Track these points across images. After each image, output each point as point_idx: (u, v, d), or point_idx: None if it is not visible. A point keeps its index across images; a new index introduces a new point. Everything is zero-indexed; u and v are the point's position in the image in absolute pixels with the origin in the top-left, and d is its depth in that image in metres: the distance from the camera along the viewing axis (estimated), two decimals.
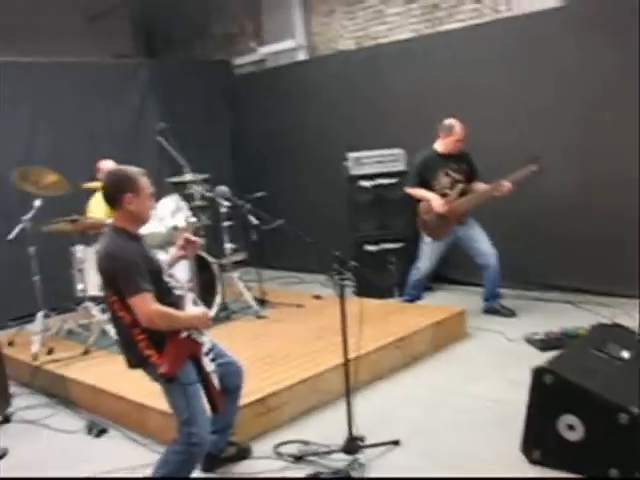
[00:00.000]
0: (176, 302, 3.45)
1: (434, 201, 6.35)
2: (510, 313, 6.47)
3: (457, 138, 6.35)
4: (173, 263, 3.85)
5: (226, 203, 6.66)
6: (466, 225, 6.49)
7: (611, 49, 6.30)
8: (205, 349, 3.52)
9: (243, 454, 4.10)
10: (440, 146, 6.47)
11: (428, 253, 6.61)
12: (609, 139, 6.42)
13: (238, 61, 10.33)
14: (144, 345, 3.34)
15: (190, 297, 3.57)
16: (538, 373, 3.61)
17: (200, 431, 3.39)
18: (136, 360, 3.43)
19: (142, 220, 3.53)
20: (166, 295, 3.42)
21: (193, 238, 3.87)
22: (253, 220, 6.18)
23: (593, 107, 6.50)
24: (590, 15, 6.45)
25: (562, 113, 6.68)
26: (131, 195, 3.39)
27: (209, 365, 3.53)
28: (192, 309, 3.51)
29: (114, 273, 3.29)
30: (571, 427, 3.48)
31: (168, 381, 3.34)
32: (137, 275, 3.26)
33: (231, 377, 3.82)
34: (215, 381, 3.55)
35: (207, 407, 3.54)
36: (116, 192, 3.42)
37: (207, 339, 3.57)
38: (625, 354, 3.83)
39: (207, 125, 9.78)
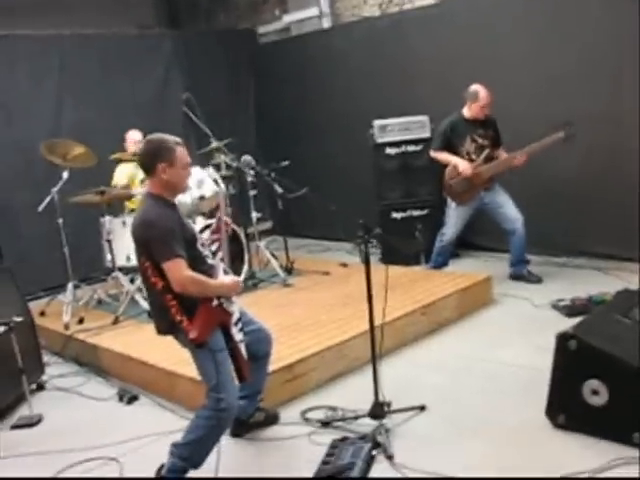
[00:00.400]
0: (208, 271, 3.50)
1: (461, 165, 6.34)
2: (536, 279, 6.46)
3: (482, 104, 6.31)
4: (208, 244, 3.89)
5: (251, 172, 6.68)
6: (492, 191, 6.47)
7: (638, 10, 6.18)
8: (234, 319, 3.57)
9: (271, 420, 4.18)
10: (467, 112, 6.44)
11: (454, 219, 6.61)
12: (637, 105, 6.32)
13: (262, 30, 10.27)
14: (175, 311, 3.37)
15: (222, 266, 3.62)
16: (562, 338, 3.61)
17: (228, 397, 3.45)
18: (166, 326, 3.49)
19: (177, 189, 3.58)
20: (199, 263, 3.47)
21: (227, 220, 3.90)
22: (278, 189, 6.19)
23: (620, 72, 6.38)
24: None
25: (589, 78, 6.57)
26: (165, 165, 3.43)
27: (238, 335, 3.58)
28: (224, 278, 3.56)
29: (149, 240, 3.34)
30: (595, 392, 3.50)
31: (197, 347, 3.40)
32: (173, 241, 3.31)
33: (260, 344, 3.88)
34: (243, 351, 3.61)
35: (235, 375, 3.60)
36: (151, 160, 3.46)
37: (237, 308, 3.62)
38: None
39: (232, 95, 9.80)
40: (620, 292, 4.40)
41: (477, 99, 6.31)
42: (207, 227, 4.13)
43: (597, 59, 6.50)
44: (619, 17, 6.30)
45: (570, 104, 6.57)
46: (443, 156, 6.51)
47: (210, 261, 3.58)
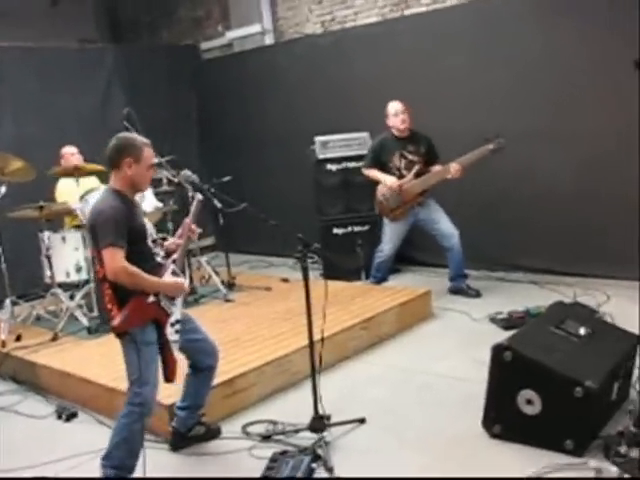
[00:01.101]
0: (154, 268, 3.56)
1: (387, 180, 6.45)
2: (475, 293, 6.59)
3: (393, 113, 6.51)
4: (173, 250, 3.88)
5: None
6: (426, 207, 6.59)
7: (572, 32, 6.40)
8: (172, 319, 3.62)
9: (212, 434, 4.17)
10: (393, 129, 6.58)
11: (389, 235, 6.71)
12: (573, 122, 6.51)
13: (205, 45, 10.30)
14: (108, 299, 3.47)
15: (170, 267, 3.66)
16: (497, 350, 3.70)
17: (146, 392, 3.49)
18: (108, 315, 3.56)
19: (138, 187, 3.67)
20: (146, 259, 3.54)
21: (193, 227, 3.92)
22: (217, 203, 6.16)
23: (557, 91, 6.59)
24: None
25: (528, 96, 6.76)
26: (131, 160, 3.55)
27: (172, 335, 3.63)
28: (167, 278, 3.60)
29: (95, 227, 3.44)
30: (529, 402, 3.59)
31: (118, 335, 3.48)
32: (115, 230, 3.38)
33: (205, 356, 3.93)
34: (175, 352, 3.66)
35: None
36: (118, 155, 3.59)
37: (178, 310, 3.66)
38: (582, 331, 3.94)
39: (174, 110, 9.73)
40: (554, 304, 4.51)
41: (388, 113, 6.53)
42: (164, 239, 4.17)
43: (535, 77, 6.69)
44: (553, 36, 6.53)
45: (509, 121, 6.73)
46: (373, 173, 6.63)
47: (159, 259, 3.64)
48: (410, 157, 6.52)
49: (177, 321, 3.65)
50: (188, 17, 10.55)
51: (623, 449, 3.16)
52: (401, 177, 6.48)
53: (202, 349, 3.90)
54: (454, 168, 6.25)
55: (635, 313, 4.87)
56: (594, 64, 6.30)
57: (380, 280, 6.92)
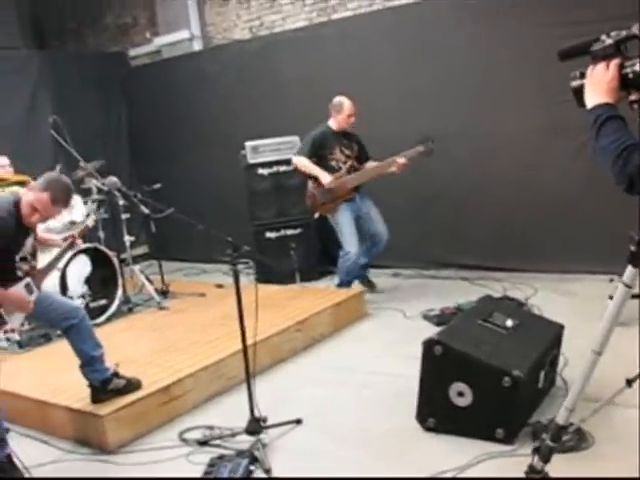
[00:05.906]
0: (8, 281, 3.73)
1: (324, 178, 6.38)
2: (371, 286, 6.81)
3: (348, 113, 6.46)
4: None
5: (117, 194, 6.58)
6: (365, 203, 6.56)
7: (496, 31, 6.59)
8: (7, 327, 3.77)
9: (133, 386, 4.32)
10: (333, 124, 6.56)
11: (347, 233, 6.46)
12: (499, 122, 6.69)
13: (133, 52, 10.21)
14: None
15: (24, 282, 3.84)
16: (428, 345, 3.76)
17: None
18: None
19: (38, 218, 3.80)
20: (4, 272, 3.72)
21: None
22: (144, 210, 6.09)
23: (481, 91, 6.76)
24: (476, 2, 6.69)
25: (453, 98, 6.92)
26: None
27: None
28: (16, 290, 3.77)
29: None
30: (461, 394, 3.66)
31: None
32: None
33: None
34: None
35: None
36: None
37: (16, 320, 3.84)
38: (509, 323, 4.04)
39: (103, 118, 9.64)
40: (482, 299, 4.62)
41: (342, 109, 6.48)
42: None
43: (460, 79, 6.86)
44: (477, 36, 6.72)
45: (435, 121, 6.87)
46: (307, 164, 6.45)
47: (19, 273, 3.81)
48: (347, 152, 6.51)
49: (12, 330, 3.80)
50: (115, 24, 10.42)
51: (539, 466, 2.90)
52: (338, 170, 6.43)
53: None
54: (401, 161, 6.23)
55: (560, 303, 5.02)
56: (518, 62, 6.46)
57: (349, 283, 6.66)
